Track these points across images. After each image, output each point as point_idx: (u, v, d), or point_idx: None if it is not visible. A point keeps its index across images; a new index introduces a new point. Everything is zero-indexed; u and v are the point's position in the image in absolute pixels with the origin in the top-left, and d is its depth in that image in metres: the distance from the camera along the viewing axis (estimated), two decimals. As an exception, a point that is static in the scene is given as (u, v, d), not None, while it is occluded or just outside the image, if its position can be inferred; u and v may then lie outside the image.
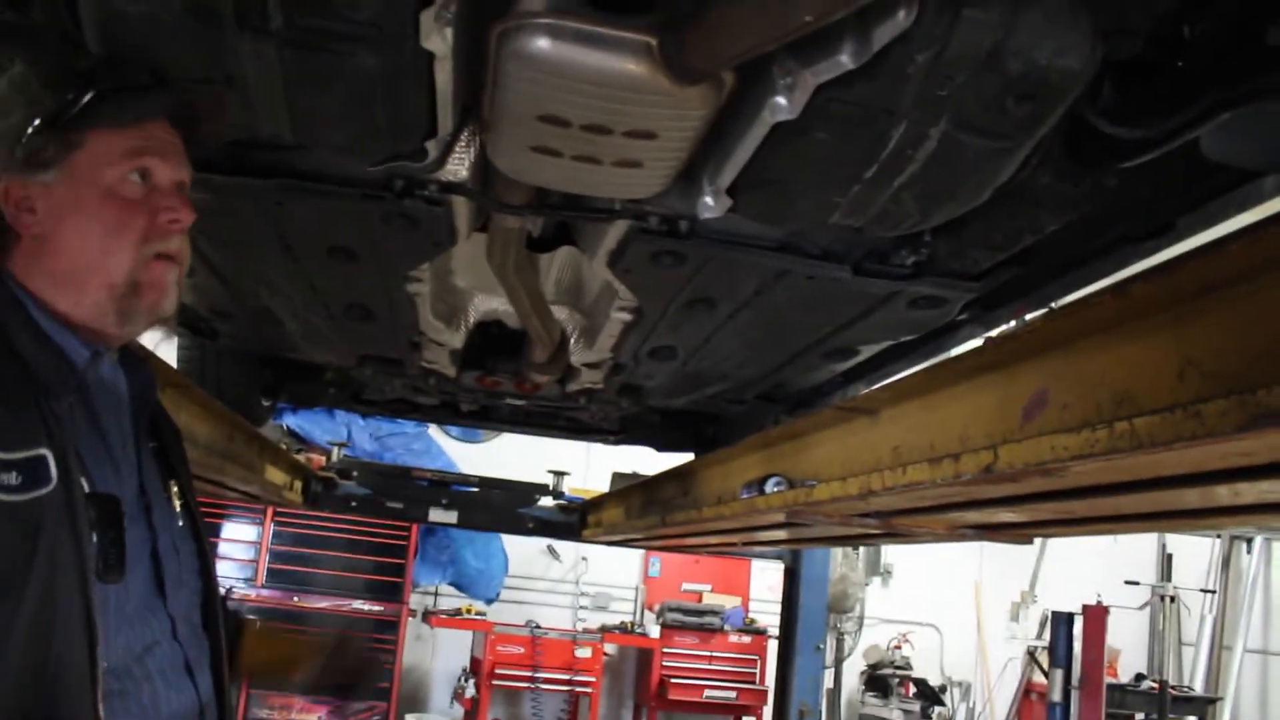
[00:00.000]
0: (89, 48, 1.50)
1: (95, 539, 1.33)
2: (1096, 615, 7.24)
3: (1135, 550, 11.22)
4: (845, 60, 1.33)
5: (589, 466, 8.11)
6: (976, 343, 2.55)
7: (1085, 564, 10.62)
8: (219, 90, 1.55)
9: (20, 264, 1.43)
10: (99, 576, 1.33)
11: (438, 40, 1.41)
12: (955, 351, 2.55)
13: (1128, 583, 10.36)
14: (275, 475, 4.18)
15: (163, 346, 1.97)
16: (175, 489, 1.57)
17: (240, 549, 8.59)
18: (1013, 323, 2.48)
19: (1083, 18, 1.34)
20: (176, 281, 1.51)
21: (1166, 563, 11.39)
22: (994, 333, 2.56)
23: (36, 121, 1.39)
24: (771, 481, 2.48)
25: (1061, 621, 7.36)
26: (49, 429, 1.31)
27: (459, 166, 1.93)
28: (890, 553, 11.19)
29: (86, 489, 1.34)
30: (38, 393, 1.33)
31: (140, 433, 1.54)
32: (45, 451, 1.30)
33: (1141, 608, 11.04)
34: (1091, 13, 1.35)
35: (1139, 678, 9.52)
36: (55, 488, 1.29)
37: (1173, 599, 11.04)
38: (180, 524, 1.55)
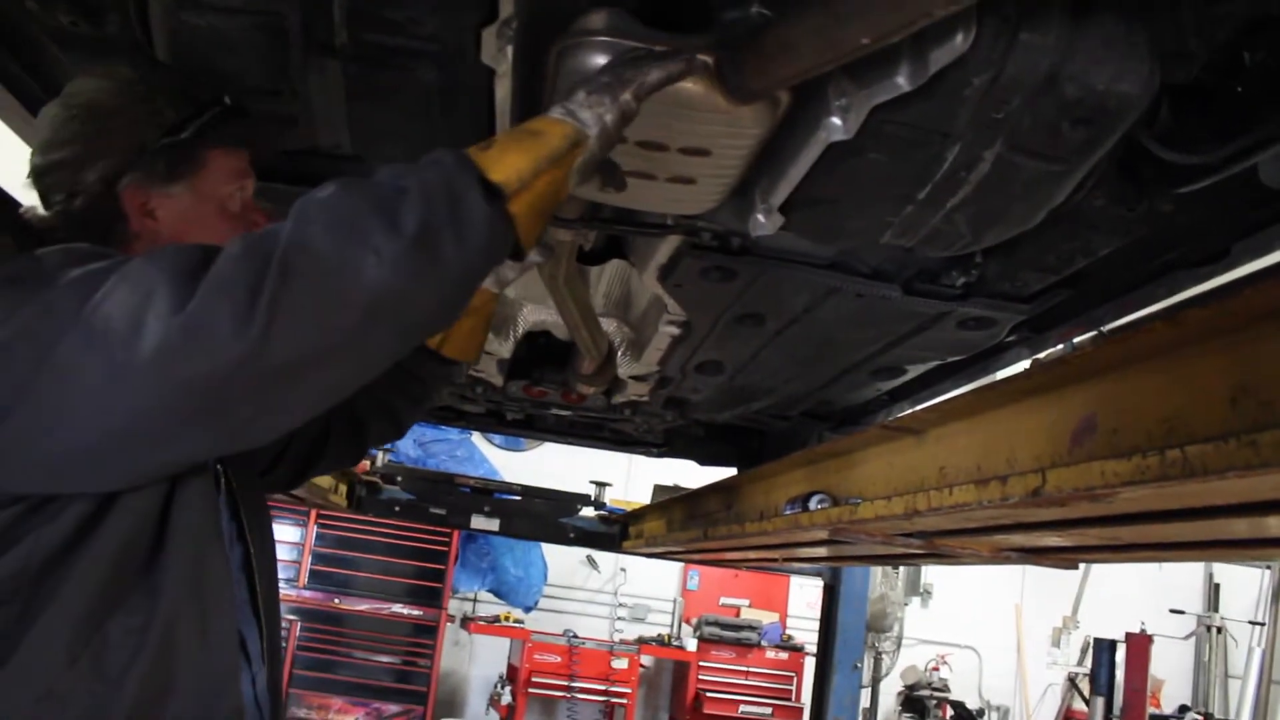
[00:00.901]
0: (159, 59, 1.54)
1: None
2: (1140, 644, 7.15)
3: (1181, 578, 11.05)
4: (901, 82, 1.34)
5: (630, 478, 8.13)
6: (1024, 364, 2.55)
7: (1129, 591, 10.48)
8: (289, 113, 1.60)
9: None
10: None
11: (498, 56, 1.43)
12: (1002, 373, 2.54)
13: (1173, 611, 10.20)
14: (320, 478, 4.22)
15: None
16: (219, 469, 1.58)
17: (283, 550, 8.68)
18: (1061, 346, 2.46)
19: (1141, 42, 1.34)
20: None
21: (1213, 593, 11.20)
22: (1042, 355, 2.54)
23: (165, 135, 1.48)
24: (815, 499, 2.47)
25: (1104, 648, 7.28)
26: None
27: (513, 179, 1.95)
28: (930, 573, 11.10)
29: None
30: None
31: None
32: None
33: (1187, 638, 10.86)
34: (1150, 37, 1.34)
35: (1183, 709, 9.36)
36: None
37: (1219, 630, 10.85)
38: (225, 505, 1.57)
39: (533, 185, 1.30)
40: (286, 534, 8.71)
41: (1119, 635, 7.33)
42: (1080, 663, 10.33)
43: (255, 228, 1.52)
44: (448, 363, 2.11)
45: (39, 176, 1.50)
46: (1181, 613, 10.36)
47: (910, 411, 2.29)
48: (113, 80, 1.50)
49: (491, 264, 1.32)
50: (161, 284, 1.16)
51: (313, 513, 8.53)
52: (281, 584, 7.92)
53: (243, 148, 1.57)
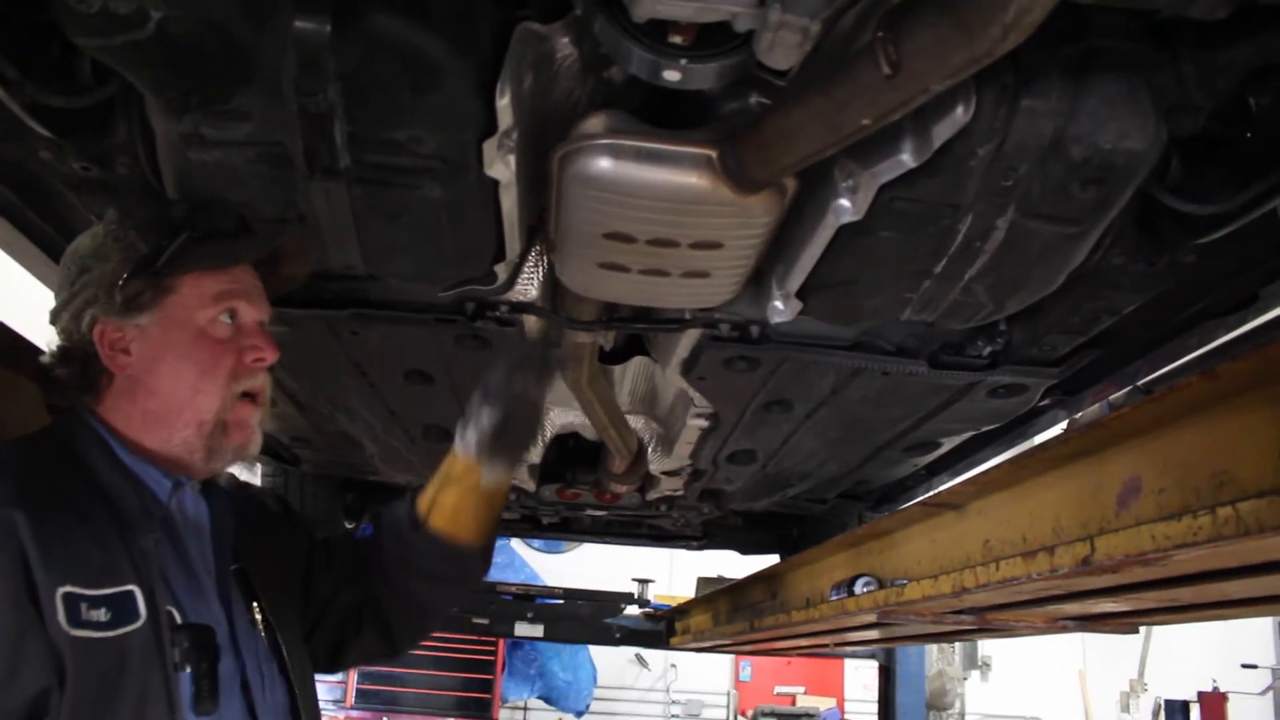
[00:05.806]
0: (168, 196, 1.56)
1: (189, 670, 1.35)
2: (1215, 702, 6.94)
3: (1251, 630, 10.76)
4: (906, 159, 1.34)
5: (673, 572, 8.03)
6: (1061, 427, 2.51)
7: (1197, 647, 10.18)
8: (301, 234, 1.58)
9: (109, 403, 1.47)
10: (193, 708, 1.34)
11: (501, 168, 1.44)
12: (1039, 438, 2.49)
13: (1245, 666, 9.88)
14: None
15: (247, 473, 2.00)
16: (257, 609, 1.55)
17: (330, 671, 8.59)
18: (1097, 405, 2.42)
19: (1144, 98, 1.33)
20: (260, 422, 1.54)
21: (1285, 643, 10.89)
22: (1078, 416, 2.50)
23: (133, 267, 1.45)
24: (861, 581, 2.42)
25: (1176, 710, 7.07)
26: (135, 564, 1.34)
27: (528, 286, 1.96)
28: (988, 645, 10.85)
29: (179, 620, 1.36)
30: (123, 529, 1.36)
31: (223, 558, 1.55)
32: (133, 587, 1.32)
33: (1264, 692, 10.50)
34: (1152, 92, 1.33)
35: (1266, 767, 9.02)
36: (144, 623, 1.31)
37: (1296, 681, 10.50)
38: (264, 645, 1.54)
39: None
40: (332, 655, 8.63)
41: (1191, 695, 7.12)
42: (1153, 727, 10.02)
43: (248, 354, 1.50)
44: (462, 555, 1.86)
45: (51, 323, 1.51)
46: (1255, 667, 10.02)
47: (948, 486, 2.25)
48: (99, 224, 1.51)
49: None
50: None
51: (357, 631, 8.45)
52: (329, 704, 7.84)
53: (222, 270, 1.49)
